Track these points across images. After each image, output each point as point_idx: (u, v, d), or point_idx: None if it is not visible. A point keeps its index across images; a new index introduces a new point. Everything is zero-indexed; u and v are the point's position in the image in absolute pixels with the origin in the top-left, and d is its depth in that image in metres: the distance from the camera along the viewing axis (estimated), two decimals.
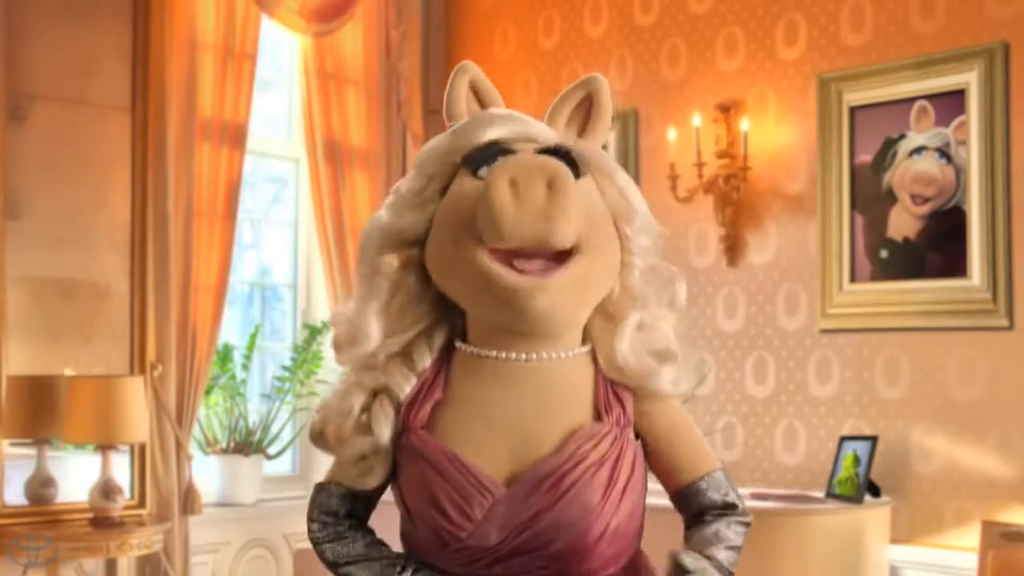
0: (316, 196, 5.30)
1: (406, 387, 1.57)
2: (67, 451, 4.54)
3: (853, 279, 4.47)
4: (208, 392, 4.98)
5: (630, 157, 5.02)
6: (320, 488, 1.64)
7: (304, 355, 5.26)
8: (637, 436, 1.59)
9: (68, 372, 4.42)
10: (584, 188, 1.54)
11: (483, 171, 1.53)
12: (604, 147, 1.70)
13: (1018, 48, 4.11)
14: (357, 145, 5.38)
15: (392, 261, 1.58)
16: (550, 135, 1.61)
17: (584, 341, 1.60)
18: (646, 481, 1.60)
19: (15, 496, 4.32)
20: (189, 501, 4.67)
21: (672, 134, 4.80)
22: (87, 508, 4.29)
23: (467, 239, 1.49)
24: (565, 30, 5.42)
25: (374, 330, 1.57)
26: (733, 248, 4.78)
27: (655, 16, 5.11)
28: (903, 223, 4.36)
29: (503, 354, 1.54)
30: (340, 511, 1.62)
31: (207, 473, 5.03)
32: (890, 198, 4.39)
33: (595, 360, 1.59)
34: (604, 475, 1.50)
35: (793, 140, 4.67)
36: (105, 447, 4.25)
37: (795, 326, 4.64)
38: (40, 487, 4.37)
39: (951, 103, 4.24)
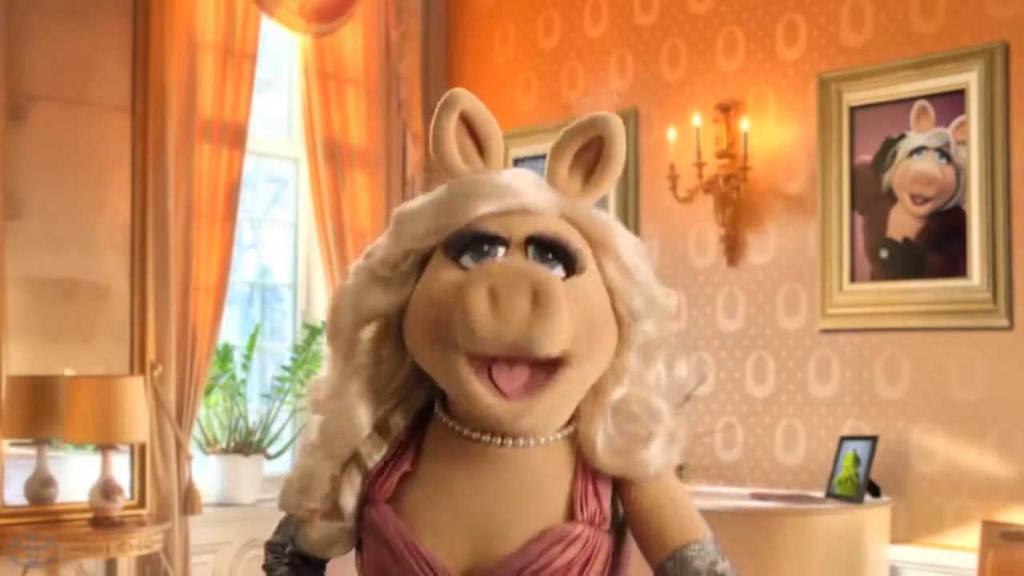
0: (316, 196, 5.30)
1: (376, 456, 1.47)
2: (67, 451, 4.54)
3: (853, 279, 4.47)
4: (208, 392, 4.98)
5: (630, 157, 5.02)
6: (286, 522, 1.58)
7: (304, 355, 5.26)
8: (621, 515, 1.48)
9: (68, 372, 4.42)
10: (579, 287, 1.40)
11: (465, 260, 1.39)
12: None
13: (1018, 48, 4.11)
14: (357, 145, 5.38)
15: (368, 333, 1.48)
16: (545, 203, 1.44)
17: (569, 419, 1.47)
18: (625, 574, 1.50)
19: (15, 496, 4.32)
20: (189, 501, 4.66)
21: (672, 134, 4.80)
22: (87, 508, 4.28)
23: (445, 345, 1.36)
24: (565, 30, 5.42)
25: (364, 419, 1.46)
26: (733, 248, 4.78)
27: (655, 16, 5.11)
28: (903, 223, 4.36)
29: (476, 435, 1.43)
30: (293, 546, 1.57)
31: (207, 473, 5.03)
32: (890, 198, 4.39)
33: (577, 444, 1.46)
34: None
35: (793, 140, 4.67)
36: (105, 447, 4.25)
37: (795, 326, 4.64)
38: (40, 487, 4.37)
39: (951, 103, 4.24)
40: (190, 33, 4.77)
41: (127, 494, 4.46)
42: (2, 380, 4.27)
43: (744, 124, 4.70)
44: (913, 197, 4.33)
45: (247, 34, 4.97)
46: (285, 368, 5.27)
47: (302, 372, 5.25)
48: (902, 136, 4.36)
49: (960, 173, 4.21)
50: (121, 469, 4.45)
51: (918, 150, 4.32)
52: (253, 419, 5.19)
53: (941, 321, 4.24)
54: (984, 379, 4.15)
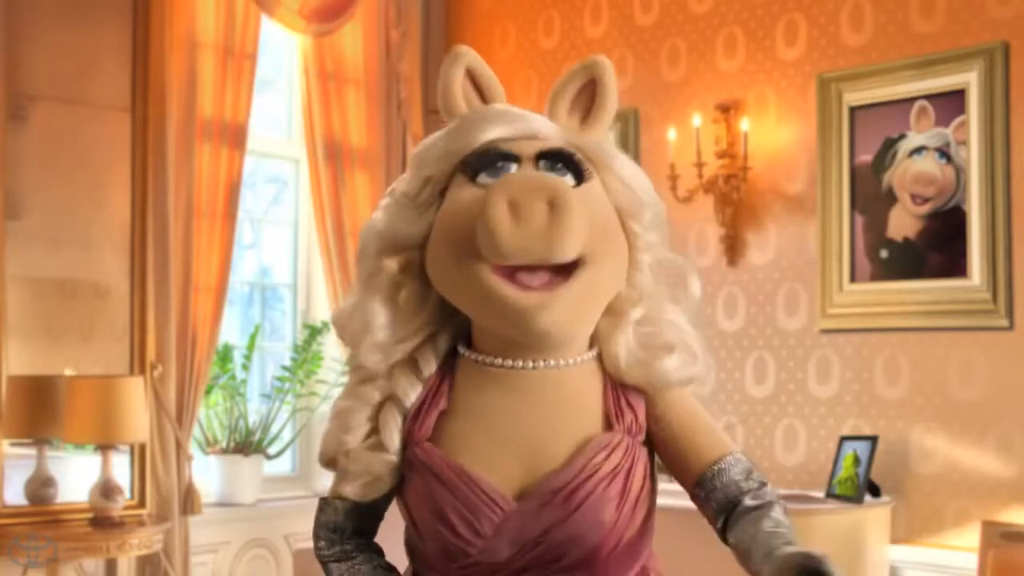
0: (316, 196, 5.30)
1: (412, 394, 1.52)
2: (67, 451, 4.54)
3: (853, 279, 4.47)
4: (208, 392, 4.97)
5: (630, 157, 5.02)
6: (324, 504, 1.59)
7: (304, 355, 5.26)
8: (648, 435, 1.54)
9: (68, 372, 4.42)
10: (589, 193, 1.48)
11: (482, 178, 1.47)
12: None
13: (1018, 48, 4.11)
14: (357, 145, 5.38)
15: (392, 265, 1.53)
16: (551, 130, 1.54)
17: (592, 344, 1.54)
18: (656, 489, 1.55)
19: (15, 496, 4.32)
20: (189, 501, 4.66)
21: (672, 134, 4.80)
22: (87, 508, 4.28)
23: (467, 255, 1.42)
24: (565, 30, 5.42)
25: (381, 318, 1.52)
26: (733, 248, 4.78)
27: (655, 16, 5.11)
28: (903, 223, 4.36)
29: (508, 362, 1.49)
30: (347, 528, 1.57)
31: (207, 473, 5.03)
32: (890, 198, 4.39)
33: (602, 365, 1.54)
34: (617, 487, 1.45)
35: (793, 140, 4.67)
36: (105, 447, 4.25)
37: (795, 326, 4.64)
38: (40, 487, 4.36)
39: (951, 103, 4.24)
40: (190, 33, 4.77)
41: (127, 494, 4.46)
42: (2, 380, 4.27)
43: (744, 124, 4.70)
44: (913, 197, 4.33)
45: (247, 34, 4.97)
46: (285, 368, 5.27)
47: (302, 372, 5.26)
48: (902, 136, 4.36)
49: (960, 173, 4.21)
50: (121, 469, 4.45)
51: (918, 150, 4.32)
52: (253, 419, 5.19)
53: (941, 321, 4.24)
54: (984, 379, 4.15)
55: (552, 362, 1.49)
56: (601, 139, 1.58)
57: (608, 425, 1.49)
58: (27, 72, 4.41)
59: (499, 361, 1.50)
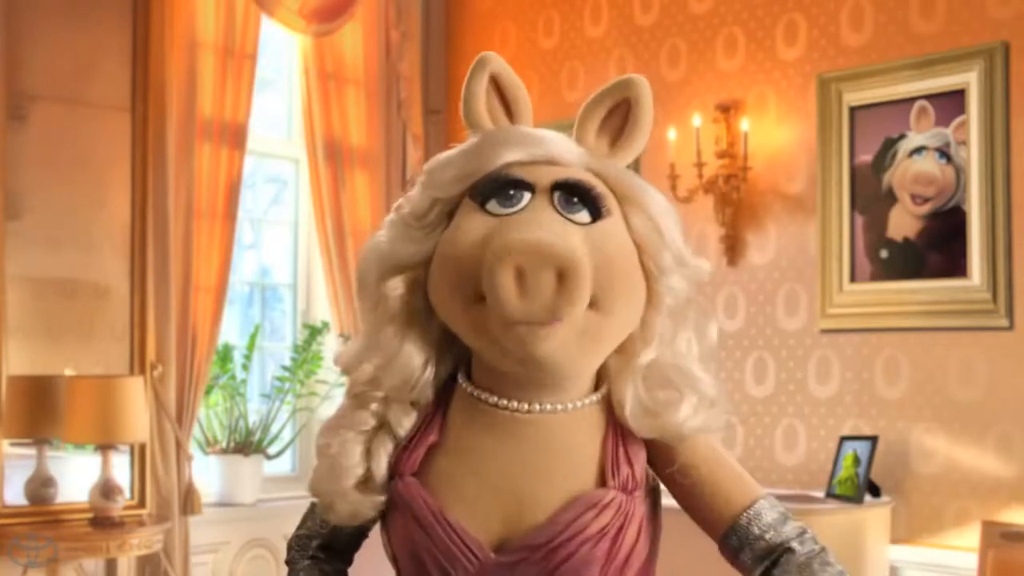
0: (316, 196, 5.30)
1: (406, 423, 1.44)
2: (67, 451, 4.54)
3: (853, 279, 4.48)
4: (208, 392, 4.97)
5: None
6: (312, 510, 1.57)
7: (304, 355, 5.26)
8: (668, 484, 1.45)
9: (68, 372, 4.42)
10: (603, 232, 1.38)
11: (492, 205, 1.37)
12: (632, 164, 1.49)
13: (1018, 48, 4.11)
14: (357, 145, 5.38)
15: (397, 286, 1.44)
16: (573, 155, 1.44)
17: (598, 383, 1.45)
18: (656, 546, 1.46)
19: (15, 496, 4.32)
20: (189, 501, 4.66)
21: (672, 134, 4.80)
22: (87, 508, 4.28)
23: (468, 296, 1.35)
24: (565, 30, 5.42)
25: (412, 352, 1.43)
26: (733, 248, 4.78)
27: (655, 16, 5.11)
28: (903, 223, 4.36)
29: (503, 402, 1.40)
30: (322, 541, 1.56)
31: (207, 473, 5.03)
32: (890, 198, 4.39)
33: (608, 408, 1.44)
34: (603, 549, 1.37)
35: (793, 140, 4.67)
36: (105, 447, 4.25)
37: (795, 326, 4.64)
38: (40, 487, 4.36)
39: (951, 103, 4.24)
40: (190, 33, 4.77)
41: (127, 494, 4.46)
42: (2, 380, 4.27)
43: (744, 124, 4.70)
44: (913, 197, 4.33)
45: (247, 34, 4.97)
46: (285, 368, 5.27)
47: (302, 372, 5.26)
48: (902, 136, 4.36)
49: (960, 173, 4.21)
50: (121, 469, 4.45)
51: (918, 150, 4.32)
52: (253, 419, 5.19)
53: (941, 321, 4.24)
54: (984, 379, 4.15)
55: (549, 406, 1.41)
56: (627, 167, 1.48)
57: (602, 479, 1.40)
58: (27, 72, 4.41)
59: (494, 399, 1.41)
